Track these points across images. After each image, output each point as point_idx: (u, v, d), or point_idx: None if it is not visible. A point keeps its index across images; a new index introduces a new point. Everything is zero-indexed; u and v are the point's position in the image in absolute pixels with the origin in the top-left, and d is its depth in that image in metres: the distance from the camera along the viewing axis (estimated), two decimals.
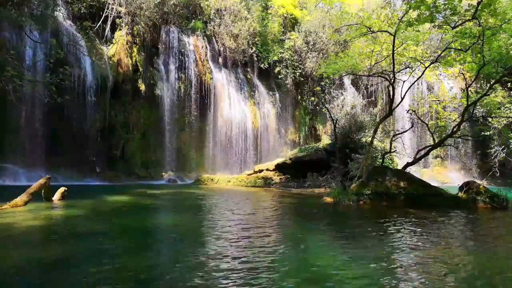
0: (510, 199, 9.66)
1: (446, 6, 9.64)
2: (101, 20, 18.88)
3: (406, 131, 13.77)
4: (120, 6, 19.57)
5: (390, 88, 12.58)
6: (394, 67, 11.49)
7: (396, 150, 13.72)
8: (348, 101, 19.53)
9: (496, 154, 20.02)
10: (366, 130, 16.97)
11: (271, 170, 18.00)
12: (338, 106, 18.82)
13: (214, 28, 23.43)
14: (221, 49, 23.68)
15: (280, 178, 17.12)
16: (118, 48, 19.38)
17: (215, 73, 22.96)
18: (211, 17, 23.55)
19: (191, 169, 21.37)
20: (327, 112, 14.93)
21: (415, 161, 12.17)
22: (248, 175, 18.34)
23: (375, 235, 5.84)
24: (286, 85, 25.64)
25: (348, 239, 5.54)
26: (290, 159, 17.83)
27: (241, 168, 22.10)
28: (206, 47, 23.03)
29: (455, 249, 4.98)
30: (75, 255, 4.18)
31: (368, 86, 27.64)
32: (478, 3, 9.30)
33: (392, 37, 10.87)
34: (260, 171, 18.37)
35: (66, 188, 9.20)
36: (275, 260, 4.11)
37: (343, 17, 13.46)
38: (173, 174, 20.06)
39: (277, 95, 25.89)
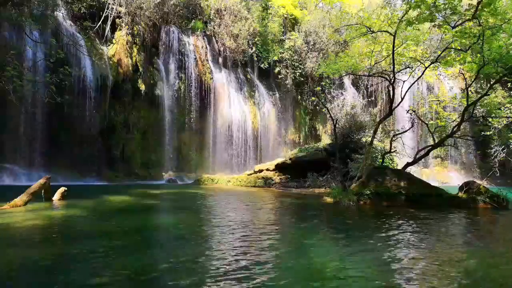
0: (510, 199, 9.66)
1: (446, 6, 9.64)
2: (101, 20, 18.88)
3: (406, 131, 13.75)
4: (120, 6, 19.57)
5: (390, 88, 12.58)
6: (394, 67, 11.48)
7: (396, 150, 13.70)
8: (348, 101, 19.52)
9: (496, 154, 20.01)
10: (366, 130, 16.97)
11: (271, 170, 17.99)
12: (338, 106, 18.80)
13: (214, 28, 23.43)
14: (221, 49, 23.68)
15: (280, 178, 17.11)
16: (118, 48, 19.39)
17: (215, 73, 22.96)
18: (211, 17, 23.55)
19: (191, 169, 21.38)
20: (327, 112, 14.92)
21: (415, 161, 12.16)
22: (248, 175, 18.33)
23: (375, 235, 5.83)
24: (286, 85, 25.65)
25: (348, 239, 5.53)
26: (290, 159, 17.82)
27: (241, 168, 22.09)
28: (206, 47, 23.03)
29: (456, 249, 4.98)
30: (75, 255, 4.18)
31: (368, 86, 27.67)
32: (478, 3, 9.30)
33: (392, 37, 10.87)
34: (260, 171, 18.36)
35: (66, 188, 9.19)
36: (275, 260, 4.10)
37: (343, 17, 13.49)
38: (173, 174, 20.07)
39: (277, 95, 25.90)
